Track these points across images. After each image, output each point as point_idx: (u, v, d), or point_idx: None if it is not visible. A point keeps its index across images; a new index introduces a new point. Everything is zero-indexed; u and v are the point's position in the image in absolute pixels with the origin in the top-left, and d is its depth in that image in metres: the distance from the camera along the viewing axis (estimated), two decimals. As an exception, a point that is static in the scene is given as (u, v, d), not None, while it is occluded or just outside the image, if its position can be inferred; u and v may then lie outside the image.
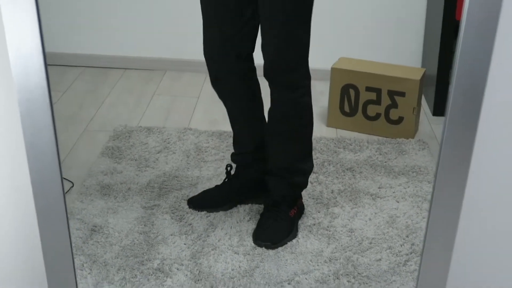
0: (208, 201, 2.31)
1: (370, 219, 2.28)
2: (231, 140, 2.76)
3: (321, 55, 3.44)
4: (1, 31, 1.10)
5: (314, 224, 2.23)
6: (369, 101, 2.91)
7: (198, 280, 1.96)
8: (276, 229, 2.15)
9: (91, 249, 2.08)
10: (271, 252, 2.09)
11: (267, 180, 2.22)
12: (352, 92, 2.92)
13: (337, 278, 1.98)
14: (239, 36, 2.04)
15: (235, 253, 2.08)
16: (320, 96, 3.32)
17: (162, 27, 3.51)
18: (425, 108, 3.21)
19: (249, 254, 2.08)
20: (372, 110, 2.92)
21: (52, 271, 1.33)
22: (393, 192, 2.44)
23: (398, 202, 2.39)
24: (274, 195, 2.21)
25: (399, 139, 2.86)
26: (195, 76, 3.52)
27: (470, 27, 1.17)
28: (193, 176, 2.52)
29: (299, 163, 2.18)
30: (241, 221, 2.24)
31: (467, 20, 1.18)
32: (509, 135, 1.27)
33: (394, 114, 2.88)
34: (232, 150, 2.50)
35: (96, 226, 2.19)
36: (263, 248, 2.11)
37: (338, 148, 2.76)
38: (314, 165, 2.59)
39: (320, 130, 2.96)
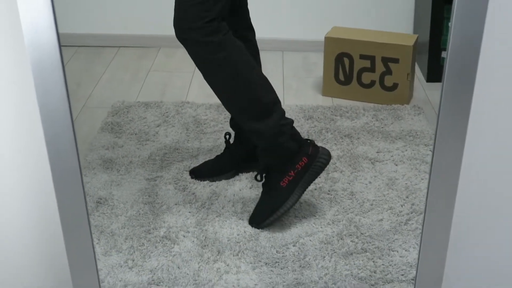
0: (209, 171, 2.34)
1: (370, 182, 2.32)
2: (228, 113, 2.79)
3: (314, 26, 3.47)
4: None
5: (315, 189, 2.27)
6: (364, 68, 2.94)
7: (205, 246, 2.00)
8: (260, 208, 2.08)
9: (98, 220, 2.12)
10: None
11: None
12: (346, 60, 2.95)
13: (341, 239, 2.03)
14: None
15: (240, 219, 2.12)
16: (314, 66, 3.35)
17: (155, 4, 3.52)
18: (419, 75, 3.25)
19: (253, 219, 2.12)
20: (366, 77, 2.95)
21: (70, 238, 1.36)
22: (391, 156, 2.48)
23: (396, 165, 2.43)
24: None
25: (394, 105, 2.90)
26: (189, 52, 3.53)
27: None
28: (194, 148, 2.55)
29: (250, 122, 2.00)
30: (244, 188, 2.28)
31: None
32: (505, 95, 1.31)
33: (388, 80, 2.91)
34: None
35: (101, 199, 2.22)
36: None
37: (335, 116, 2.79)
38: (313, 133, 2.63)
39: (316, 99, 2.99)
